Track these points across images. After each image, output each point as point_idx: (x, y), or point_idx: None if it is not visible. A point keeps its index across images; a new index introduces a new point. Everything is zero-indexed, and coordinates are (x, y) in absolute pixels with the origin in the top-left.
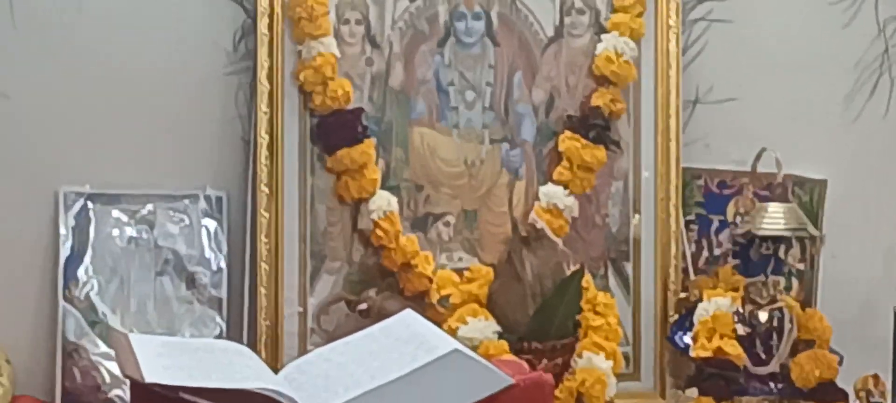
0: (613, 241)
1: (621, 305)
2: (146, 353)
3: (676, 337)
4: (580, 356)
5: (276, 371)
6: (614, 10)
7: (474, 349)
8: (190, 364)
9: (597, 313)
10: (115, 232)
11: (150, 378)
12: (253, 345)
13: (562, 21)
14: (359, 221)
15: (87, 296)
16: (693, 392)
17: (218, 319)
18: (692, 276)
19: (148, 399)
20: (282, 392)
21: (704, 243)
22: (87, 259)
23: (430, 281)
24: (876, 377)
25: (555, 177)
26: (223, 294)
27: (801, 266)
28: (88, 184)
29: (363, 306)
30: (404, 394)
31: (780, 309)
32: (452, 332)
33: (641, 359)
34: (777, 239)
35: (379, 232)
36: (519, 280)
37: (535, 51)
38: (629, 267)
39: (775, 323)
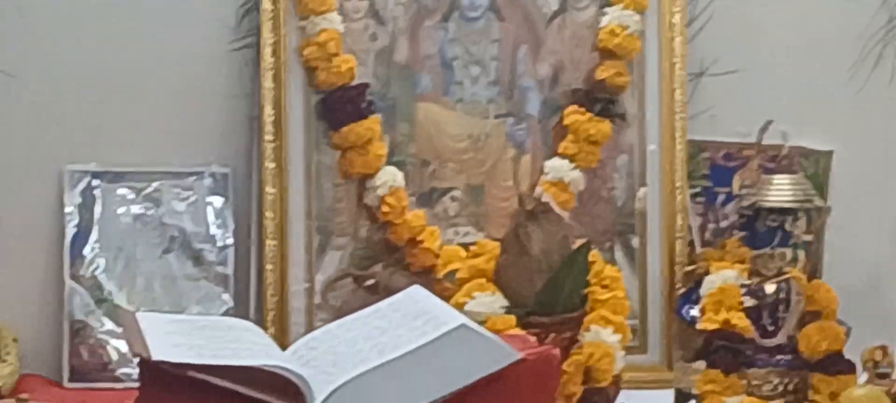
0: (619, 215)
1: (628, 278)
2: (154, 331)
3: (683, 310)
4: (588, 330)
5: (284, 347)
6: None
7: (482, 324)
8: (198, 342)
9: (604, 287)
10: (121, 209)
11: (157, 355)
12: (260, 322)
13: None
14: (365, 197)
15: (94, 275)
16: (701, 364)
17: (225, 296)
18: (698, 249)
19: (156, 376)
20: (290, 369)
21: (710, 215)
22: (93, 237)
23: (437, 256)
24: (883, 348)
25: (560, 151)
26: (230, 271)
27: (807, 237)
28: (93, 162)
29: (370, 282)
30: (412, 369)
31: (787, 281)
32: (460, 307)
33: (648, 333)
34: (783, 211)
35: (385, 208)
36: (525, 254)
37: (539, 25)
38: (636, 241)
39: (782, 295)
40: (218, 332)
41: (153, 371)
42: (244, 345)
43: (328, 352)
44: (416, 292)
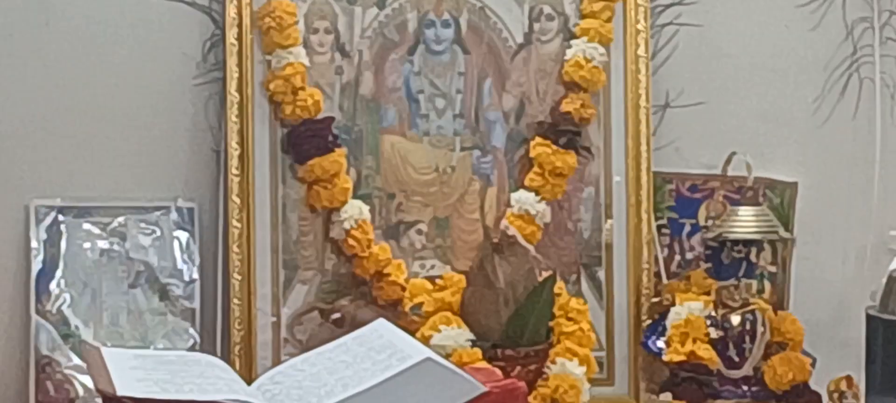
0: (585, 247)
1: (594, 310)
2: (119, 367)
3: (650, 342)
4: (553, 362)
5: (249, 382)
6: (583, 16)
7: (447, 357)
8: (163, 377)
9: (570, 319)
10: (87, 244)
11: (122, 391)
12: (226, 356)
13: (531, 27)
14: (331, 230)
15: (60, 310)
16: (667, 396)
17: (191, 330)
18: (664, 280)
19: None
20: None
21: (676, 247)
22: (59, 272)
23: (403, 289)
24: (849, 378)
25: (526, 183)
26: (196, 305)
27: (772, 268)
28: (59, 197)
29: (336, 315)
30: None
31: (753, 312)
32: (425, 340)
33: (615, 364)
34: (748, 243)
35: (351, 241)
36: (491, 287)
37: (504, 57)
38: (602, 273)
39: (748, 327)
40: (183, 367)
41: None
42: (209, 380)
43: (293, 386)
44: (381, 326)
